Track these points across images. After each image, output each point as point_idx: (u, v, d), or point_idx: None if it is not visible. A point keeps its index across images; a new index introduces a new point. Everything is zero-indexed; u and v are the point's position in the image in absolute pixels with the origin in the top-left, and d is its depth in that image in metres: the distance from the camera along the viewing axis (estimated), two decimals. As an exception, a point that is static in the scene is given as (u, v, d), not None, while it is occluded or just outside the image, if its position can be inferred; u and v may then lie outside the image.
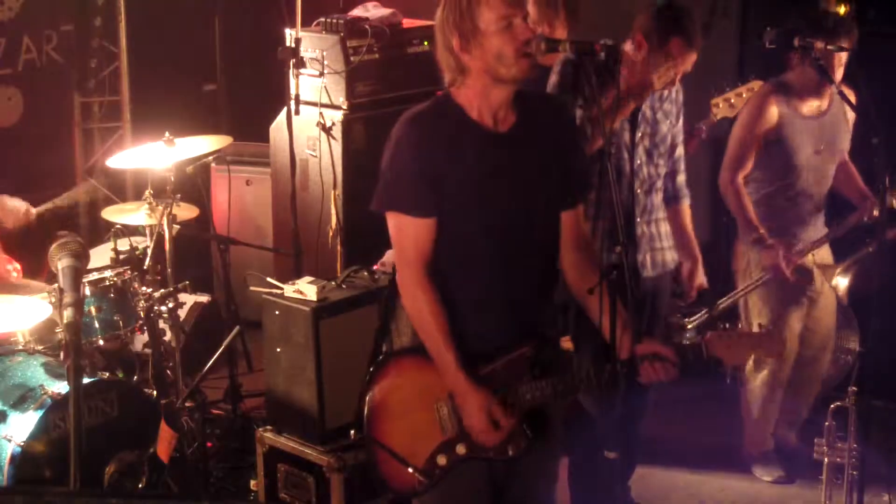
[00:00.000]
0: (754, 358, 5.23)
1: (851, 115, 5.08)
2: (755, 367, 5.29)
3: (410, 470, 3.46)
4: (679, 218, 4.77)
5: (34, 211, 5.26)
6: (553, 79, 4.43)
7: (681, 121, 4.67)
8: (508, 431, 3.42)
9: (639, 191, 4.55)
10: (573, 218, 3.56)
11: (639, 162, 4.53)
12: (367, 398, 3.54)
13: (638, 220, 4.56)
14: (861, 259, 5.14)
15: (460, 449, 3.46)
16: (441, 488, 3.48)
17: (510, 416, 3.40)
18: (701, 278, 4.81)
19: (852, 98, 4.74)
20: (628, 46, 4.43)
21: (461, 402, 3.41)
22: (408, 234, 3.42)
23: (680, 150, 4.70)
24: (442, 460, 3.46)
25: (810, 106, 5.04)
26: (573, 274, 3.56)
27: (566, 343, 3.69)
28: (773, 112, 4.99)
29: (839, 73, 4.81)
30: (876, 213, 4.92)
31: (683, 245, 4.76)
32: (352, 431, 4.34)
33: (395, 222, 3.44)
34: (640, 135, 4.51)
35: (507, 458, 3.46)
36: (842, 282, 5.20)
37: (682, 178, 4.74)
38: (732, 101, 5.14)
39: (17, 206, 5.23)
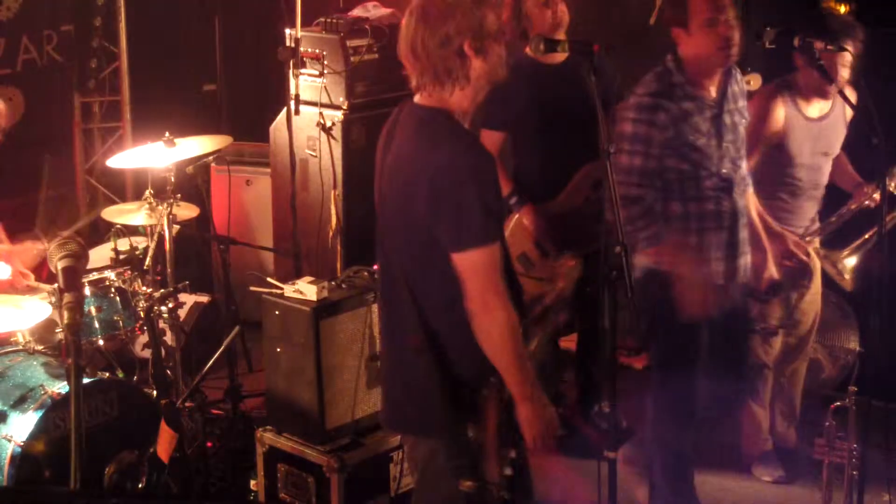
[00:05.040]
0: None
1: (849, 114, 5.09)
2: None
3: (495, 492, 3.47)
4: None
5: (44, 247, 5.28)
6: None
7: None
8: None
9: (735, 195, 4.55)
10: None
11: (725, 170, 4.51)
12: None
13: (740, 223, 4.58)
14: (866, 242, 5.15)
15: (512, 453, 3.48)
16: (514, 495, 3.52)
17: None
18: (771, 270, 4.79)
19: (853, 98, 4.75)
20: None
21: (537, 411, 3.43)
22: (496, 261, 3.36)
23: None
24: (508, 471, 3.48)
25: (814, 108, 5.04)
26: None
27: (567, 343, 3.72)
28: (780, 114, 4.97)
29: (843, 75, 4.80)
30: (870, 200, 4.99)
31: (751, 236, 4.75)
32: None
33: (482, 256, 3.34)
34: (725, 144, 4.50)
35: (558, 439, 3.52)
36: (849, 262, 5.18)
37: (745, 167, 4.69)
38: None
39: (27, 247, 5.24)
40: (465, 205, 3.29)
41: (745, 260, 4.64)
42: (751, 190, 4.74)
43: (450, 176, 3.31)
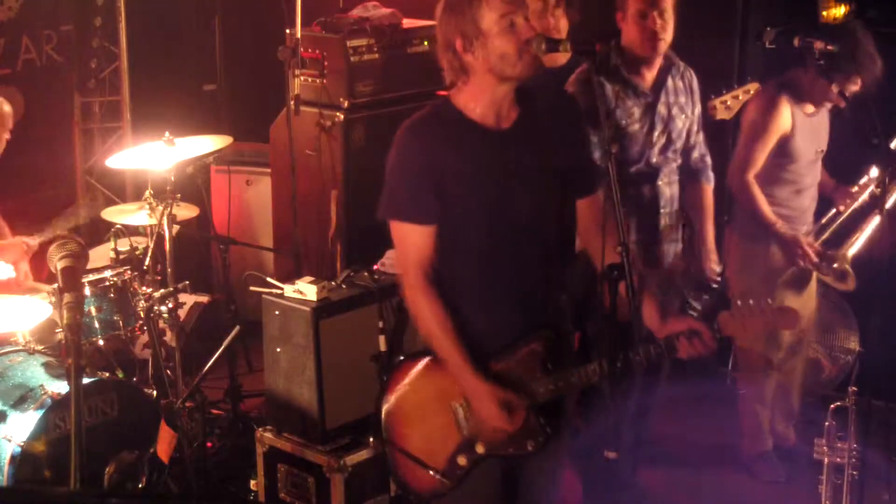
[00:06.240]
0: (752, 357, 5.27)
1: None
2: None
3: (431, 472, 3.47)
4: (697, 195, 4.85)
5: (36, 243, 5.28)
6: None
7: (698, 107, 4.77)
8: (525, 424, 3.43)
9: (660, 183, 4.67)
10: (593, 203, 3.59)
11: (655, 160, 4.63)
12: (384, 403, 3.56)
13: (662, 212, 4.68)
14: (861, 234, 5.17)
15: (479, 448, 3.47)
16: (460, 489, 3.49)
17: (522, 404, 3.42)
18: (712, 265, 4.88)
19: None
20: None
21: (472, 396, 3.43)
22: (409, 241, 3.46)
23: (700, 136, 4.79)
24: (462, 460, 3.48)
25: (810, 106, 5.05)
26: (599, 257, 3.56)
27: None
28: (787, 115, 4.99)
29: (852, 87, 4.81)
30: (850, 203, 5.09)
31: (699, 222, 4.86)
32: (370, 439, 4.36)
33: (397, 230, 3.49)
34: (656, 134, 4.61)
35: (526, 454, 3.47)
36: (850, 252, 5.18)
37: (698, 155, 4.82)
38: (729, 103, 5.12)
39: (14, 244, 5.25)
40: (393, 178, 3.46)
41: (672, 248, 4.74)
42: (703, 181, 4.83)
43: (393, 148, 3.47)
